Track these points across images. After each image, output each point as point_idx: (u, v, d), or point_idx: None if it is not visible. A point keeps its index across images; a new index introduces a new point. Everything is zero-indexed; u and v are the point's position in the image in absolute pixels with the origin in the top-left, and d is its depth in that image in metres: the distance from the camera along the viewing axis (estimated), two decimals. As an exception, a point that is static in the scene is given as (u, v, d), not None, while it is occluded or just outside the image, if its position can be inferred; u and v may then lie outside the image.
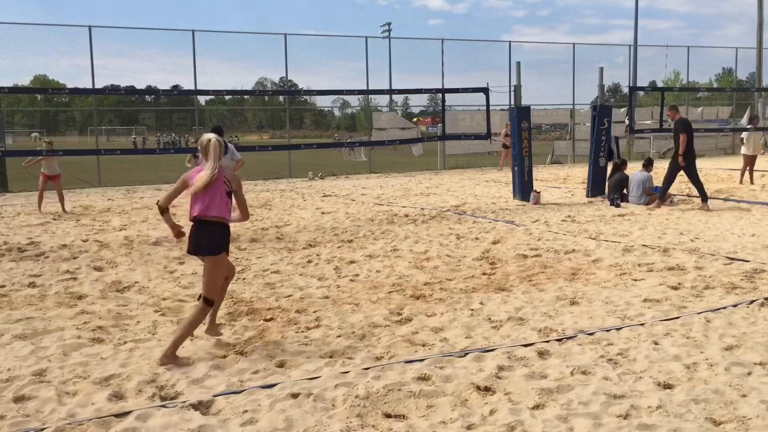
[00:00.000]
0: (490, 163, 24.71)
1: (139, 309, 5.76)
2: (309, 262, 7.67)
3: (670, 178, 11.52)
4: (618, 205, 11.83)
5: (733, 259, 7.21)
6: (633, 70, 30.25)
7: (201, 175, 4.45)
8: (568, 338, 4.72)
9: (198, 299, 4.66)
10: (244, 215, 4.78)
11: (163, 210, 4.61)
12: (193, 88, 20.96)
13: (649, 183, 12.11)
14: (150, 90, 25.84)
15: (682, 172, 11.49)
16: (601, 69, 14.48)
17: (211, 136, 4.61)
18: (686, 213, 10.87)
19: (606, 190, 12.91)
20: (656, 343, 4.57)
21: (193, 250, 4.54)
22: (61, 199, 12.92)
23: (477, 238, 8.91)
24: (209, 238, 4.48)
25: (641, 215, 10.74)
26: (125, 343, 4.85)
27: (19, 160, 18.80)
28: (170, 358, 4.36)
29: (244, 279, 6.87)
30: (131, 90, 27.00)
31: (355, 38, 24.86)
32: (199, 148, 4.64)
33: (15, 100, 52.81)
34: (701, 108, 30.32)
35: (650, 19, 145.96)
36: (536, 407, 3.61)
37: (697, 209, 11.21)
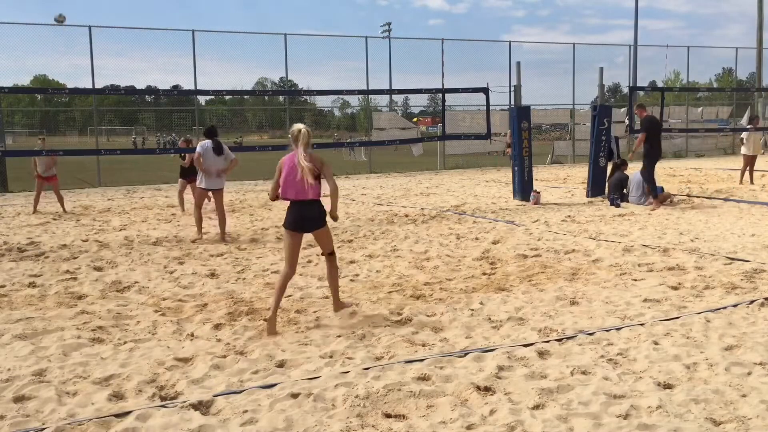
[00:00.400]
0: (490, 163, 24.72)
1: (139, 309, 5.76)
2: (309, 262, 7.67)
3: (650, 178, 11.62)
4: (618, 205, 11.83)
5: (733, 259, 7.21)
6: (633, 70, 30.23)
7: (292, 164, 5.08)
8: (568, 338, 4.72)
9: (324, 255, 5.48)
10: (334, 196, 5.39)
11: (273, 200, 5.38)
12: (193, 88, 20.96)
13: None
14: (150, 90, 25.85)
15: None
16: (601, 69, 14.49)
17: (301, 126, 5.21)
18: (686, 213, 10.88)
19: (606, 190, 12.92)
20: (656, 343, 4.57)
21: (302, 228, 5.21)
22: (60, 200, 12.83)
23: (477, 238, 8.91)
24: (314, 218, 5.21)
25: (641, 215, 10.74)
26: (125, 343, 4.85)
27: (19, 161, 18.84)
28: (341, 304, 5.41)
29: (244, 279, 6.87)
30: (131, 90, 27.03)
31: (355, 38, 24.87)
32: (290, 137, 5.22)
33: (15, 100, 52.82)
34: (701, 108, 30.31)
35: (650, 19, 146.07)
36: (536, 407, 3.61)
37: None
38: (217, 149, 9.30)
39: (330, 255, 5.43)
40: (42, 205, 13.07)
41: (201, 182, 9.40)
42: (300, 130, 5.13)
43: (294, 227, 5.18)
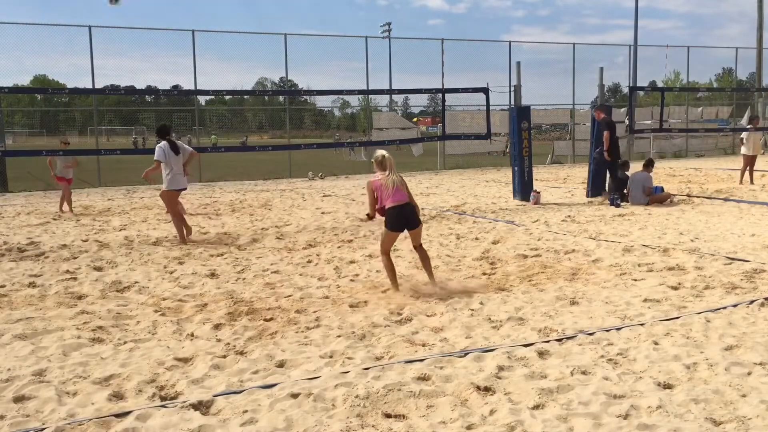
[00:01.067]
0: (490, 163, 24.72)
1: (139, 309, 5.76)
2: (309, 262, 7.67)
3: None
4: (618, 205, 11.83)
5: (733, 259, 7.21)
6: (633, 70, 30.22)
7: (386, 182, 6.08)
8: (568, 338, 4.72)
9: (415, 247, 6.38)
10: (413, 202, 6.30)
11: (372, 217, 6.34)
12: (193, 88, 20.96)
13: (649, 183, 12.12)
14: (150, 90, 25.81)
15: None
16: (601, 69, 14.49)
17: (384, 152, 6.17)
18: (686, 213, 10.88)
19: (606, 188, 12.92)
20: (656, 343, 4.57)
21: (405, 226, 6.14)
22: (69, 202, 12.64)
23: (477, 238, 8.91)
24: (413, 215, 6.14)
25: (641, 215, 10.74)
26: (125, 343, 4.85)
27: (19, 161, 18.87)
28: (437, 283, 6.16)
29: (244, 279, 6.87)
30: (131, 90, 27.02)
31: (355, 38, 24.89)
32: (374, 163, 6.19)
33: (15, 100, 52.77)
34: (701, 108, 30.31)
35: (650, 19, 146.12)
36: (536, 407, 3.61)
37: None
38: (175, 148, 9.06)
39: (420, 247, 6.37)
40: (42, 205, 13.07)
41: (171, 184, 9.05)
42: (385, 156, 6.16)
43: (399, 228, 6.16)
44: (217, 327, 5.18)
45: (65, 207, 12.69)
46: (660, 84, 30.26)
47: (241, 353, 4.58)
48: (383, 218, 6.20)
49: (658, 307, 5.48)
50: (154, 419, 3.53)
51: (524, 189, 13.29)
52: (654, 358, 4.29)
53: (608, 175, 13.03)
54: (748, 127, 16.67)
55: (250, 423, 3.50)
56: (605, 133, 12.66)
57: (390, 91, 23.85)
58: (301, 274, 7.04)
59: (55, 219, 11.85)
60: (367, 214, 6.38)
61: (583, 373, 4.08)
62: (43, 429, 3.44)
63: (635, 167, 13.42)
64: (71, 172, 12.68)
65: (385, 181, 6.06)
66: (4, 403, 3.80)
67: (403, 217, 6.06)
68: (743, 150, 15.68)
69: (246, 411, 3.62)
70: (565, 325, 5.03)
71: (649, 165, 12.53)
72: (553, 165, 25.21)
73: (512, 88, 14.83)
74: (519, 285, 6.32)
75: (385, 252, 6.26)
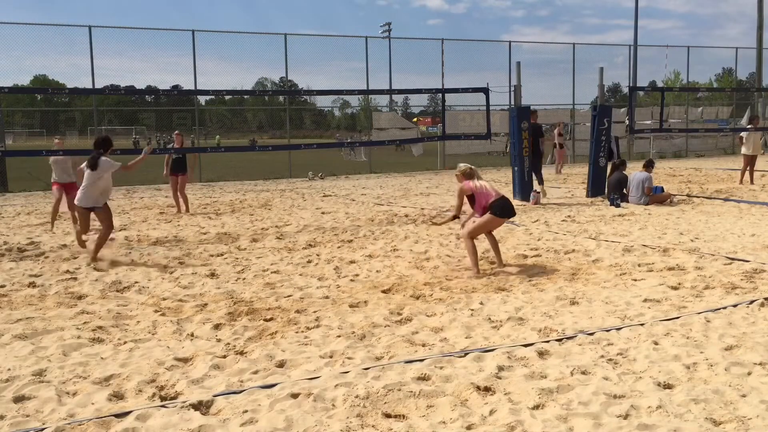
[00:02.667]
0: (490, 164, 24.70)
1: (139, 309, 5.76)
2: (309, 262, 7.67)
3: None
4: (618, 205, 11.83)
5: (733, 259, 7.21)
6: (633, 70, 30.24)
7: (482, 184, 7.04)
8: (568, 338, 4.72)
9: (490, 232, 7.23)
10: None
11: (456, 217, 7.25)
12: (193, 88, 20.94)
13: (649, 183, 12.12)
14: (150, 90, 25.79)
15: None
16: (601, 69, 14.48)
17: (467, 164, 7.22)
18: (686, 213, 10.88)
19: (606, 190, 12.92)
20: (656, 343, 4.57)
21: (510, 214, 7.08)
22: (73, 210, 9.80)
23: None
24: (513, 206, 7.11)
25: (641, 215, 10.74)
26: (125, 343, 4.85)
27: (19, 161, 18.84)
28: (504, 264, 7.13)
29: (244, 279, 6.87)
30: (131, 90, 26.98)
31: (355, 38, 24.88)
32: (460, 174, 7.15)
33: (15, 100, 52.72)
34: (701, 108, 30.30)
35: (650, 19, 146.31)
36: (536, 407, 3.61)
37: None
38: (93, 164, 7.92)
39: (492, 233, 7.28)
40: (42, 205, 13.04)
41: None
42: (471, 167, 7.16)
43: (507, 215, 7.04)
44: (217, 327, 5.19)
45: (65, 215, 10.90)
46: (660, 84, 30.27)
47: (241, 353, 4.58)
48: (470, 214, 7.25)
49: (658, 307, 5.48)
50: (154, 419, 3.53)
51: (524, 189, 13.28)
52: (654, 358, 4.29)
53: (606, 175, 13.04)
54: (749, 126, 16.67)
55: (250, 423, 3.49)
56: (533, 139, 13.51)
57: (390, 91, 23.85)
58: (301, 274, 7.04)
59: (54, 219, 11.77)
60: (454, 216, 7.22)
61: (583, 373, 4.08)
62: (43, 429, 3.44)
63: (635, 167, 13.43)
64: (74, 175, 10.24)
65: (482, 184, 7.03)
66: (4, 403, 3.80)
67: (507, 206, 7.00)
68: (743, 150, 15.67)
69: (246, 411, 3.62)
70: (565, 325, 5.03)
71: (649, 165, 12.54)
72: (553, 165, 25.18)
73: (512, 88, 14.80)
74: (519, 285, 6.32)
75: (473, 237, 7.00)
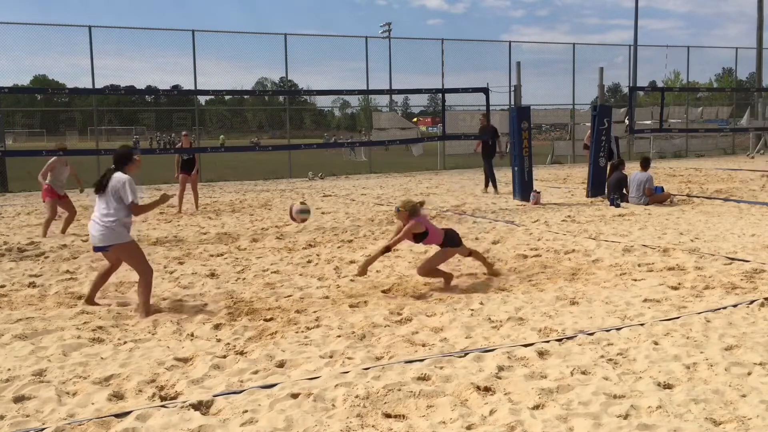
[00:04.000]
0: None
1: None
2: (309, 262, 7.67)
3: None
4: (618, 205, 11.83)
5: (733, 259, 7.21)
6: (633, 70, 30.24)
7: (428, 220, 6.68)
8: (568, 338, 4.72)
9: (468, 255, 6.83)
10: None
11: (389, 249, 6.55)
12: (193, 88, 20.93)
13: (649, 183, 12.12)
14: (150, 90, 25.77)
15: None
16: (601, 69, 14.48)
17: (410, 202, 6.51)
18: (686, 213, 10.88)
19: (606, 190, 12.92)
20: (656, 343, 4.57)
21: (460, 243, 6.71)
22: (71, 217, 10.21)
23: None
24: (456, 232, 6.86)
25: (641, 215, 10.74)
26: (125, 343, 4.85)
27: (19, 161, 18.85)
28: (496, 271, 6.79)
29: (244, 279, 6.87)
30: (131, 90, 26.93)
31: (355, 38, 24.83)
32: (406, 210, 6.37)
33: (15, 100, 52.72)
34: (701, 108, 30.30)
35: (650, 19, 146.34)
36: (536, 407, 3.61)
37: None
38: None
39: (471, 252, 6.91)
40: (42, 205, 12.97)
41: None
42: (417, 202, 6.53)
43: (457, 244, 6.65)
44: (217, 327, 5.19)
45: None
46: (660, 84, 30.29)
47: (241, 353, 4.58)
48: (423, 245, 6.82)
49: (658, 307, 5.48)
50: (154, 419, 3.53)
51: (524, 189, 13.29)
52: (654, 358, 4.29)
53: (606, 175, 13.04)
54: (749, 127, 16.63)
55: (250, 423, 3.50)
56: (481, 140, 15.01)
57: (390, 91, 23.84)
58: (301, 274, 7.04)
59: (54, 219, 11.73)
60: (387, 247, 6.40)
61: (583, 373, 4.08)
62: (43, 429, 3.44)
63: (635, 167, 13.42)
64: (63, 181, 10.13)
65: (427, 220, 6.66)
66: (4, 403, 3.80)
67: (457, 237, 6.76)
68: None
69: (246, 411, 3.62)
70: (565, 325, 5.03)
71: (645, 164, 12.47)
72: (553, 165, 25.20)
73: (512, 88, 14.79)
74: (519, 285, 6.32)
75: (432, 271, 6.50)
